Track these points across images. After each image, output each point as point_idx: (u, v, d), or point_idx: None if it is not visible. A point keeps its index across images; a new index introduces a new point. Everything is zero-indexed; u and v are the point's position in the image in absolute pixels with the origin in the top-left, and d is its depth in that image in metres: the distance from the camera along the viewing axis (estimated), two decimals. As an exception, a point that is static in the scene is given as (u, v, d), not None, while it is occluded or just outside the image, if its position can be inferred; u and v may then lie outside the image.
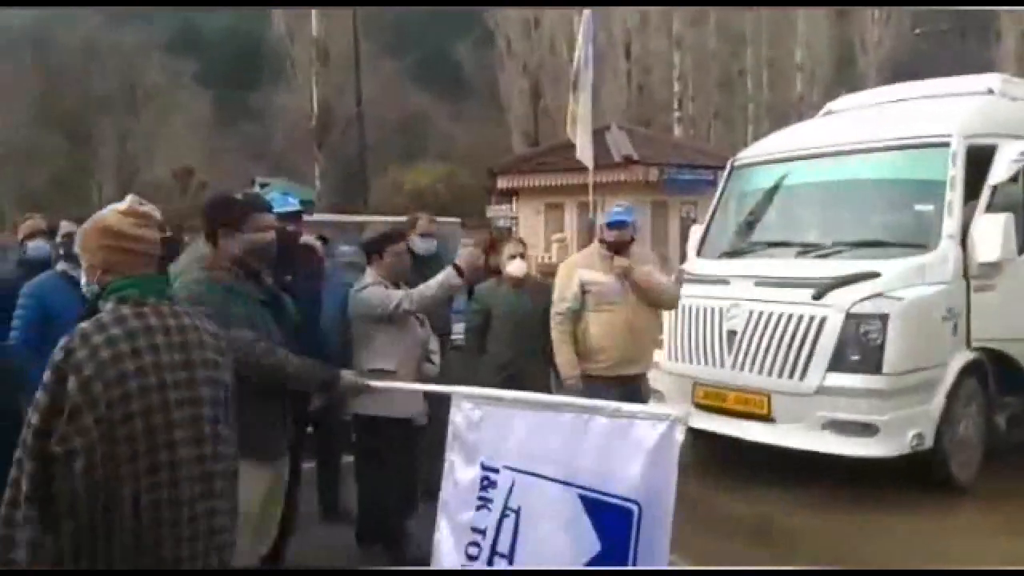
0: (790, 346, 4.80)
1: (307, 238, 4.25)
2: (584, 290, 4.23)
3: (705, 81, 29.45)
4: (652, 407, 2.61)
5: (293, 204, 4.06)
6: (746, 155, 6.43)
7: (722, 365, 5.12)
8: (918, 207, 5.15)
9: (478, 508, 2.48)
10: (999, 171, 5.03)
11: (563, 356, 4.25)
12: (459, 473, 2.54)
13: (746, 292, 5.10)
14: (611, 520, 2.21)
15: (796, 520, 4.46)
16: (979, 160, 5.07)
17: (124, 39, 35.88)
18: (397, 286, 3.88)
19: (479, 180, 30.48)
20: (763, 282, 5.11)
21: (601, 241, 4.39)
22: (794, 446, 4.78)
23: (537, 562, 2.33)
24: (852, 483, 4.77)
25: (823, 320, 4.71)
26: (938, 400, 4.71)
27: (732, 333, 5.08)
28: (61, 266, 3.69)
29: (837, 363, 4.65)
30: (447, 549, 2.54)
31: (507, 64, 30.95)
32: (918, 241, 4.96)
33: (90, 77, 34.86)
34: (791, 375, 4.79)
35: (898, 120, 5.70)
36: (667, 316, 5.49)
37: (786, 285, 4.97)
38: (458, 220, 7.80)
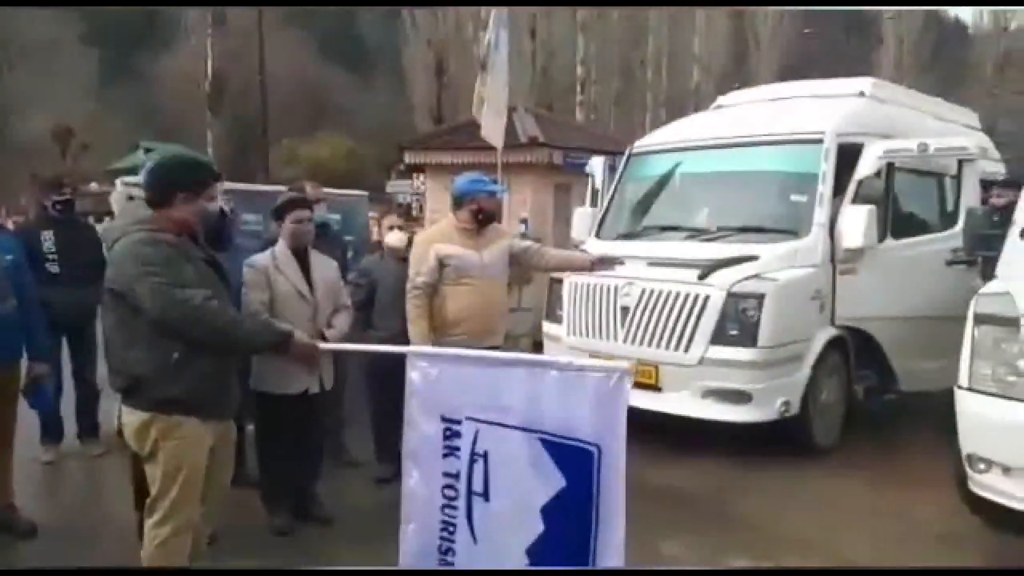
0: (677, 321, 5.18)
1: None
2: (442, 264, 4.14)
3: (607, 68, 30.10)
4: (599, 361, 2.79)
5: None
6: (643, 144, 6.78)
7: (615, 339, 5.46)
8: (793, 197, 5.59)
9: (445, 456, 2.62)
10: (865, 167, 5.51)
11: (417, 330, 4.14)
12: (421, 426, 2.65)
13: (639, 271, 5.41)
14: (574, 459, 2.43)
15: (682, 480, 4.86)
16: (848, 156, 5.56)
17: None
18: (302, 254, 3.97)
19: (380, 154, 30.14)
20: (655, 262, 5.45)
21: (473, 212, 4.19)
22: (678, 412, 5.18)
23: (510, 497, 2.55)
24: (732, 448, 5.21)
25: (707, 298, 5.11)
26: (805, 371, 5.19)
27: (625, 309, 5.42)
28: None
29: (718, 337, 5.06)
30: (422, 493, 2.66)
31: (411, 39, 30.68)
32: (792, 228, 5.42)
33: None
34: (677, 348, 5.18)
35: (779, 117, 6.17)
36: (566, 292, 5.82)
37: (675, 265, 5.33)
38: (365, 193, 7.85)
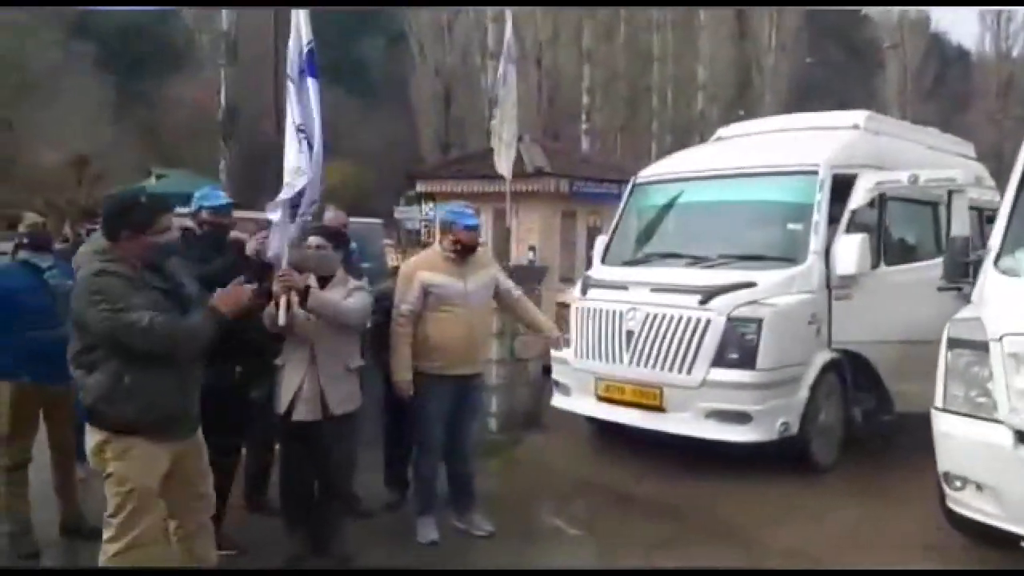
0: (679, 345, 5.39)
1: (236, 233, 4.28)
2: (426, 292, 4.25)
3: (613, 95, 30.47)
4: None
5: (221, 198, 4.26)
6: (646, 174, 7.03)
7: (621, 361, 5.66)
8: (790, 226, 5.83)
9: None
10: (857, 197, 5.76)
11: (399, 357, 4.25)
12: None
13: (643, 297, 5.64)
14: None
15: (691, 495, 5.09)
16: (842, 187, 5.81)
17: (18, 16, 33.93)
18: (324, 280, 3.92)
19: (387, 181, 30.46)
20: (658, 288, 5.67)
21: (453, 242, 4.36)
22: (682, 432, 5.38)
23: None
24: (735, 465, 5.42)
25: (708, 322, 5.32)
26: (803, 393, 5.38)
27: (630, 333, 5.62)
28: (22, 255, 3.93)
29: (719, 360, 5.26)
30: None
31: (419, 67, 31.18)
32: (789, 255, 5.65)
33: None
34: (680, 370, 5.38)
35: (776, 149, 6.43)
36: (573, 317, 6.06)
37: (677, 291, 5.55)
38: (380, 221, 8.13)
